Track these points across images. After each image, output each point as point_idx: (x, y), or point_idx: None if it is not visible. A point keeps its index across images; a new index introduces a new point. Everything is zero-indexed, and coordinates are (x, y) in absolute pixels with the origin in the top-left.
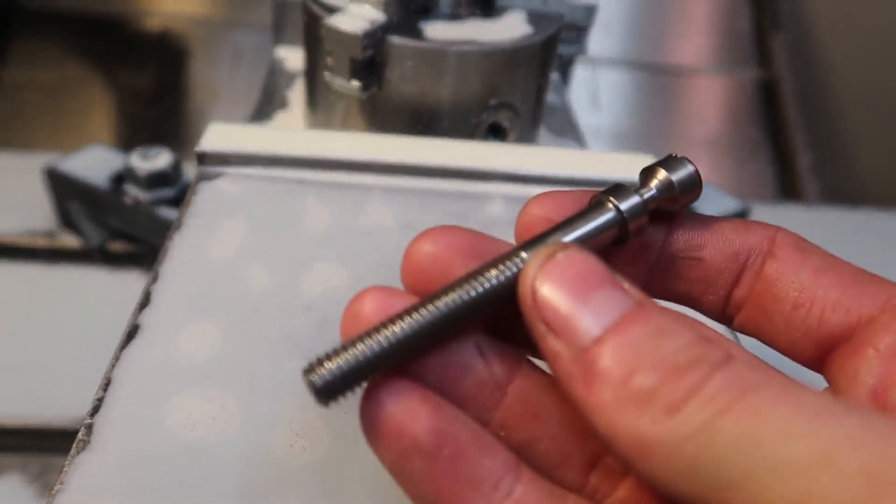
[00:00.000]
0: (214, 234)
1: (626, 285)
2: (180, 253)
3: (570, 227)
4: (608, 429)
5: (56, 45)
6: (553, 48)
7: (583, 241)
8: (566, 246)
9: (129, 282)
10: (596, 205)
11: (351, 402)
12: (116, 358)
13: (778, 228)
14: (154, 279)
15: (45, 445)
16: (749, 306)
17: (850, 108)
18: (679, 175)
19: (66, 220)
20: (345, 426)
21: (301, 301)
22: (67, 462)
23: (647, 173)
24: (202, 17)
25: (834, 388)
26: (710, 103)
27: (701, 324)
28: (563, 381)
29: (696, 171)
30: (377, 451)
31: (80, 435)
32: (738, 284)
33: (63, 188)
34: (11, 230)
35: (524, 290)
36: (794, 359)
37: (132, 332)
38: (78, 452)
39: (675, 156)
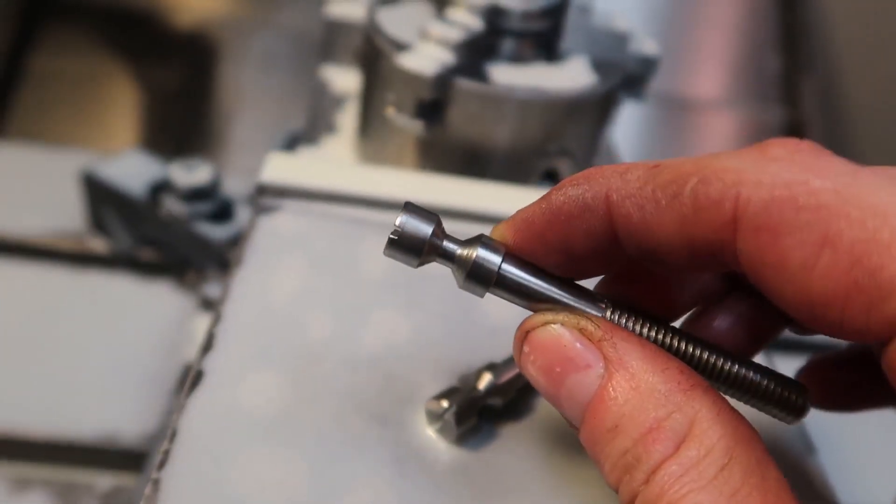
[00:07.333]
0: (275, 273)
1: (591, 358)
2: (241, 292)
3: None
4: None
5: (85, 37)
6: (615, 97)
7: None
8: (536, 320)
9: (157, 291)
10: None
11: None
12: (182, 406)
13: (739, 184)
14: (217, 320)
15: (67, 458)
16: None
17: (875, 158)
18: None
19: (98, 224)
20: (413, 499)
21: (363, 354)
22: None
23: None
24: (233, 17)
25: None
26: (733, 140)
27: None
28: None
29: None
30: None
31: (146, 491)
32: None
33: (99, 194)
34: (38, 230)
35: (519, 366)
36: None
37: (197, 378)
38: None
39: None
